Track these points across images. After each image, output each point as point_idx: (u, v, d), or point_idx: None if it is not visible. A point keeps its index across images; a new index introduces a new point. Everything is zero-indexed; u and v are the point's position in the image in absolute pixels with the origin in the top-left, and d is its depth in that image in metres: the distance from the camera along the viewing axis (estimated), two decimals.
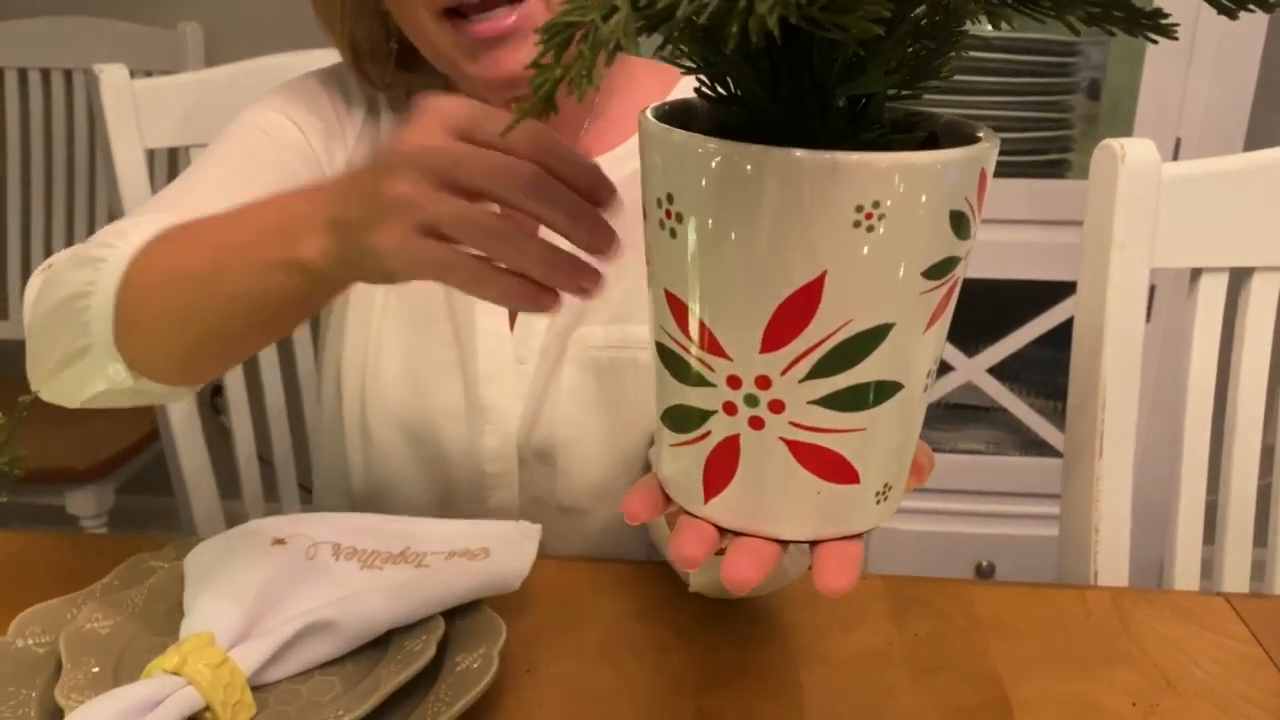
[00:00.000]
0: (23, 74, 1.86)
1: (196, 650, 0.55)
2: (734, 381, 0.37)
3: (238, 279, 0.53)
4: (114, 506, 1.65)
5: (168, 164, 1.68)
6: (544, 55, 0.29)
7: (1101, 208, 0.72)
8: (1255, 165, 0.74)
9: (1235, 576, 0.80)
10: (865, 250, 0.34)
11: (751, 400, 0.37)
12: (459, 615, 0.63)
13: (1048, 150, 1.55)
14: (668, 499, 0.42)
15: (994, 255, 1.51)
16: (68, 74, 1.86)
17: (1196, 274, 0.76)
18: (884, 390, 0.37)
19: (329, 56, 1.05)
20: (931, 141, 0.40)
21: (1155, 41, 0.33)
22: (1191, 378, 0.78)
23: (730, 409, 0.38)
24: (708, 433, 0.39)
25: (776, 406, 0.37)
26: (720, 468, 0.39)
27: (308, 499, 1.21)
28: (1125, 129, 1.50)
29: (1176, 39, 0.33)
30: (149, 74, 1.82)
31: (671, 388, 0.40)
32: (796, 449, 0.37)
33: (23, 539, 0.77)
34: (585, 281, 0.42)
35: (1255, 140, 1.48)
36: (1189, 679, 0.64)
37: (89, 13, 1.84)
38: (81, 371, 0.60)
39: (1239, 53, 1.42)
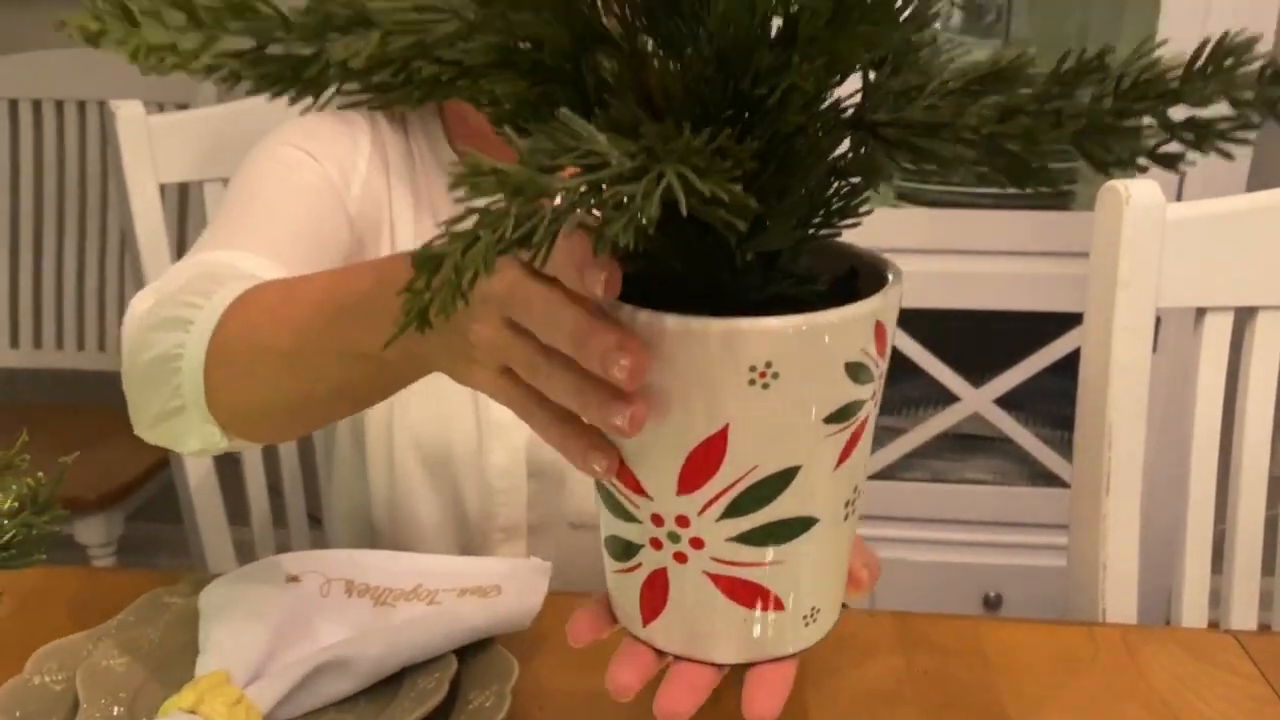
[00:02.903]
0: (37, 105, 1.88)
1: (213, 688, 0.55)
2: (657, 519, 0.40)
3: (322, 363, 0.54)
4: (122, 534, 1.65)
5: (178, 198, 1.70)
6: (416, 281, 0.31)
7: (1106, 248, 0.73)
8: (1258, 206, 0.75)
9: (1243, 605, 0.81)
10: (763, 405, 0.37)
11: (674, 537, 0.40)
12: (471, 653, 0.63)
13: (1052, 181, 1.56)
14: (614, 619, 0.45)
15: (1000, 287, 1.52)
16: (81, 105, 1.88)
17: (1201, 313, 0.77)
18: (798, 525, 0.39)
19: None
20: (846, 283, 0.42)
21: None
22: (1198, 414, 0.79)
23: (656, 544, 0.41)
24: (639, 564, 0.42)
25: (697, 543, 0.40)
26: (653, 596, 0.42)
27: (316, 526, 1.22)
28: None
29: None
30: (161, 106, 1.85)
31: (607, 519, 0.43)
32: (719, 581, 0.40)
33: (38, 573, 0.78)
34: (620, 421, 0.39)
35: (1258, 175, 1.50)
36: (1197, 717, 0.64)
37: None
38: (178, 428, 0.62)
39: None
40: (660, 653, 0.44)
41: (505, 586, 0.67)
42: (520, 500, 0.82)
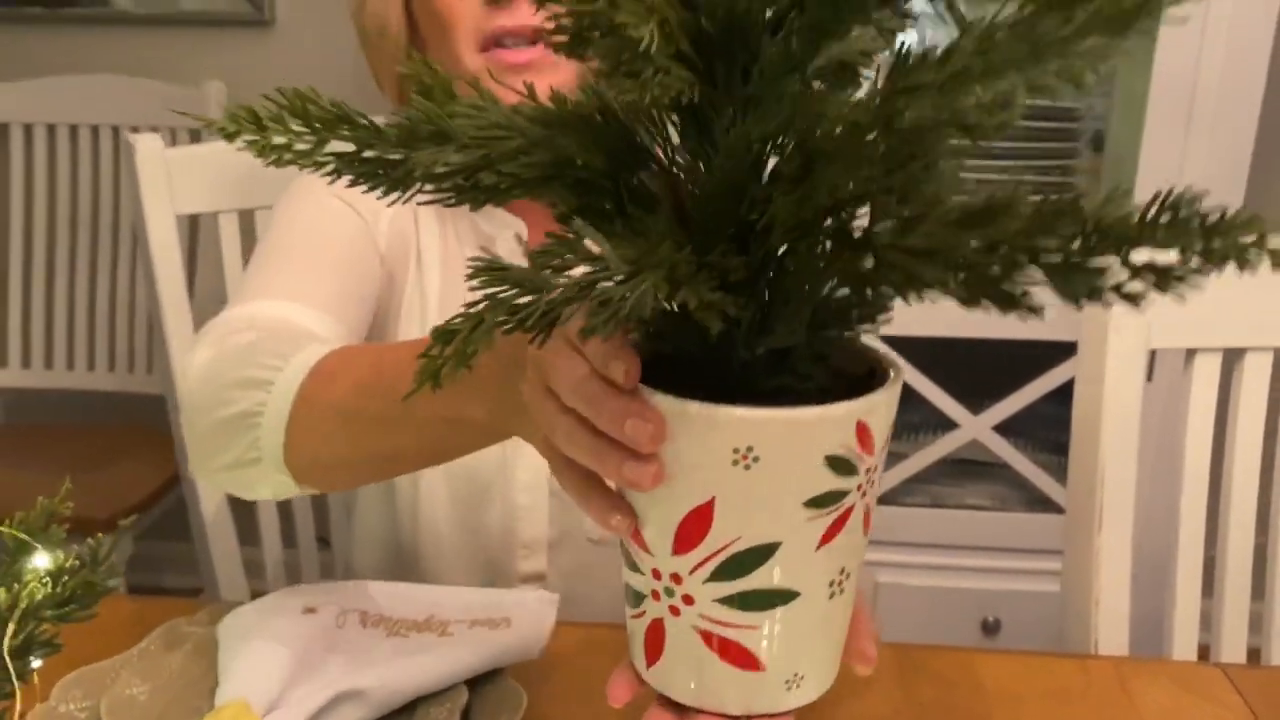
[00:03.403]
0: (51, 130, 1.91)
1: (233, 717, 0.58)
2: (656, 574, 0.45)
3: (406, 430, 0.60)
4: (131, 554, 1.67)
5: (189, 226, 1.73)
6: (432, 349, 0.38)
7: None
8: None
9: (1233, 631, 0.83)
10: (745, 483, 0.41)
11: (670, 591, 0.45)
12: (481, 684, 0.65)
13: None
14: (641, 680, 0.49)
15: (999, 315, 1.54)
16: (94, 130, 1.91)
17: (1191, 353, 0.79)
18: (779, 596, 0.43)
19: None
20: (862, 380, 0.45)
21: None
22: (1188, 449, 0.81)
23: (656, 596, 0.45)
24: (644, 611, 0.46)
25: (688, 600, 0.44)
26: (654, 643, 0.47)
27: (325, 548, 1.24)
28: (1130, 181, 1.53)
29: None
30: (173, 131, 1.88)
31: (624, 569, 0.48)
32: (706, 637, 0.45)
33: None
34: (633, 475, 0.43)
35: (1253, 205, 1.52)
36: None
37: (118, 71, 1.89)
38: (251, 478, 0.66)
39: (1236, 120, 1.46)
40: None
41: (514, 618, 0.69)
42: (542, 516, 0.85)
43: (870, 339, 0.46)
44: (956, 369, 1.63)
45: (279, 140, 0.34)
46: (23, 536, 0.35)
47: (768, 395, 0.41)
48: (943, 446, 1.65)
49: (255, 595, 1.20)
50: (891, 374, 0.44)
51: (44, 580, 0.35)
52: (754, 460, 0.41)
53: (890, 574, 1.68)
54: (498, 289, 0.36)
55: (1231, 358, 0.81)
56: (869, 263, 0.38)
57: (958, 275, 0.36)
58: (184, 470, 1.17)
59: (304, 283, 0.78)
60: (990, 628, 1.68)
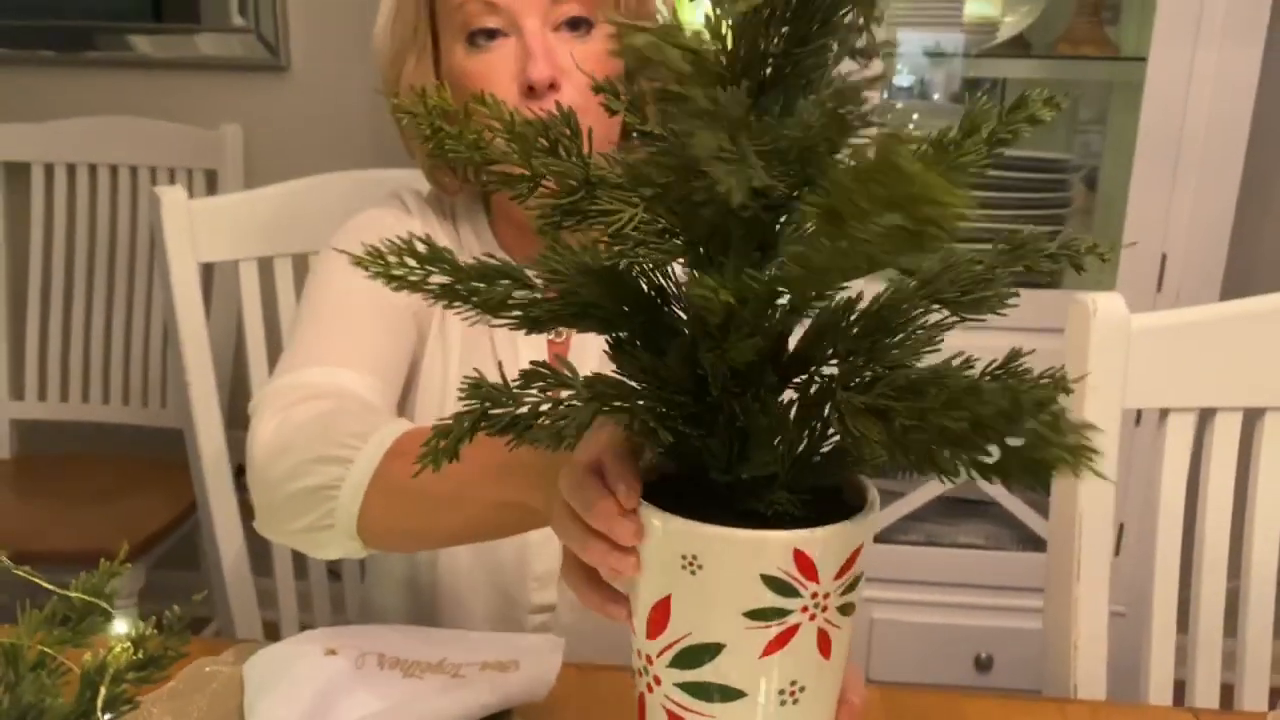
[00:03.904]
0: (71, 169, 1.96)
1: None
2: (639, 653, 0.52)
3: (473, 510, 0.68)
4: (142, 585, 1.71)
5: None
6: (430, 441, 0.48)
7: (1076, 355, 0.80)
8: (1213, 318, 0.82)
9: (1206, 664, 0.87)
10: (693, 586, 0.48)
11: (645, 670, 0.51)
12: None
13: None
14: None
15: (994, 359, 1.58)
16: (113, 169, 1.97)
17: (1165, 413, 0.84)
18: (728, 692, 0.49)
19: (351, 177, 1.21)
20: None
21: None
22: (1162, 503, 0.85)
23: (640, 672, 0.52)
24: (636, 683, 0.53)
25: (657, 680, 0.51)
26: (641, 712, 0.53)
27: (336, 579, 1.28)
28: (1119, 222, 1.57)
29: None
30: (190, 172, 1.93)
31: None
32: (671, 716, 0.51)
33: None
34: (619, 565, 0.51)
35: (1236, 252, 1.57)
36: None
37: (137, 113, 1.95)
38: (322, 541, 0.74)
39: (1220, 169, 1.51)
40: None
41: (523, 661, 0.73)
42: (553, 550, 0.90)
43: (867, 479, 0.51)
44: None
45: (397, 272, 0.43)
46: (90, 599, 0.39)
47: (758, 515, 0.48)
48: (937, 485, 1.69)
49: (267, 625, 1.24)
50: (860, 513, 0.49)
51: (127, 646, 0.39)
52: (699, 567, 0.47)
53: (885, 610, 1.72)
54: (478, 403, 0.47)
55: (1204, 417, 0.85)
56: (826, 410, 0.46)
57: (893, 437, 0.42)
58: (200, 504, 1.21)
59: (348, 347, 0.84)
60: (983, 664, 1.71)
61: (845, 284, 0.44)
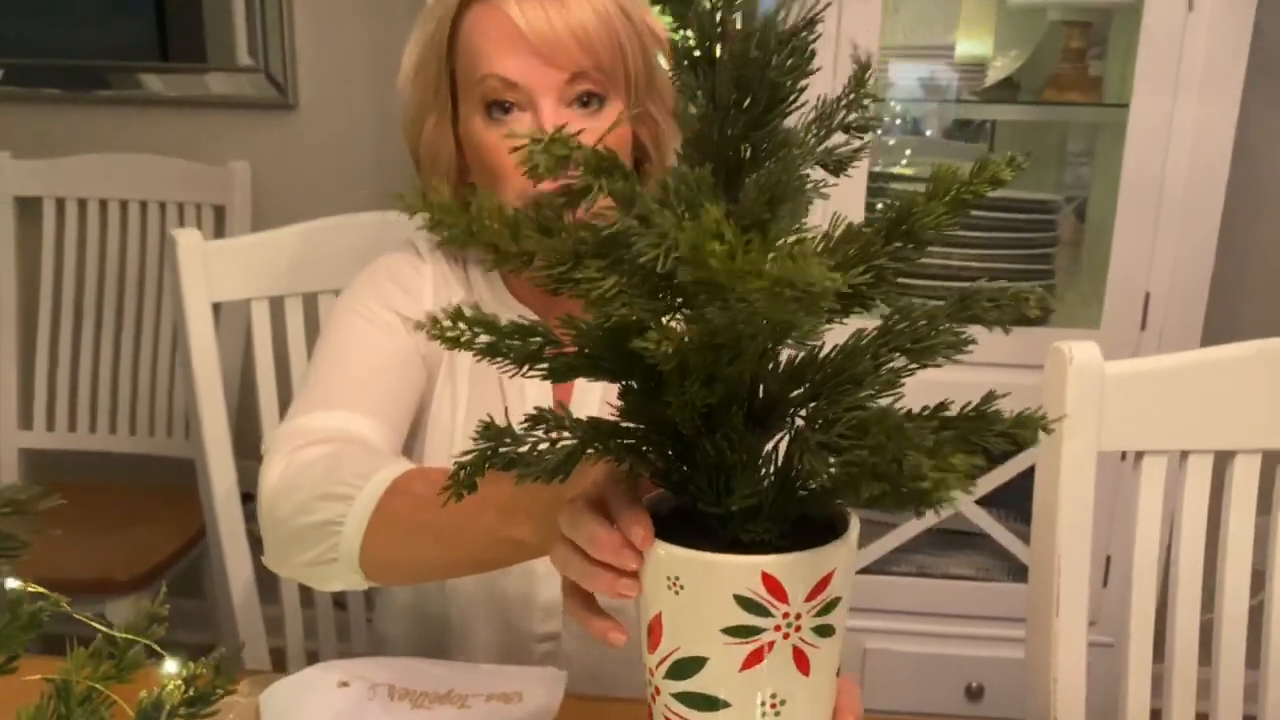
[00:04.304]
0: (82, 204, 2.01)
1: None
2: (646, 665, 0.57)
3: (467, 544, 0.73)
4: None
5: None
6: (454, 476, 0.55)
7: (1054, 401, 0.84)
8: (1184, 364, 0.86)
9: (1182, 694, 0.90)
10: (678, 605, 0.53)
11: (649, 682, 0.57)
12: None
13: None
14: None
15: (980, 394, 1.62)
16: (123, 204, 2.01)
17: (1140, 455, 0.88)
18: (713, 702, 0.54)
19: (360, 220, 1.28)
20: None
21: None
22: (1139, 540, 0.89)
23: (647, 681, 0.57)
24: (646, 690, 0.58)
25: (658, 690, 0.56)
26: (649, 716, 0.59)
27: (342, 609, 1.31)
28: (1106, 256, 1.62)
29: None
30: (199, 207, 1.98)
31: None
32: None
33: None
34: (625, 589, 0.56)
35: (1218, 292, 1.62)
36: None
37: (148, 150, 2.00)
38: (327, 574, 0.78)
39: (1201, 212, 1.56)
40: None
41: (526, 693, 0.77)
42: (559, 581, 0.93)
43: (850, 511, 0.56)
44: None
45: (451, 334, 0.50)
46: (130, 637, 0.43)
47: (747, 543, 0.53)
48: (927, 518, 1.72)
49: (273, 652, 1.28)
50: (837, 539, 0.53)
51: (179, 685, 0.43)
52: (681, 588, 0.53)
53: (878, 640, 1.75)
54: (488, 443, 0.55)
55: (1177, 459, 0.89)
56: (789, 446, 0.52)
57: (839, 471, 0.48)
58: (211, 536, 1.25)
59: (357, 393, 0.88)
60: (974, 693, 1.74)
61: (796, 333, 0.49)
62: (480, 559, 0.75)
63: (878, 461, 0.45)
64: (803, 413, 0.53)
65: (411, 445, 0.96)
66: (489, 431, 0.55)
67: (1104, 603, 1.67)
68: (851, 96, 0.54)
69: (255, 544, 1.24)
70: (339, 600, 1.31)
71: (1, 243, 2.00)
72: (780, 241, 0.47)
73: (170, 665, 0.45)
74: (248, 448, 1.24)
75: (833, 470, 0.47)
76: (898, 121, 2.02)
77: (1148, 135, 1.54)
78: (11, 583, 0.37)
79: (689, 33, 0.49)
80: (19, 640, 0.35)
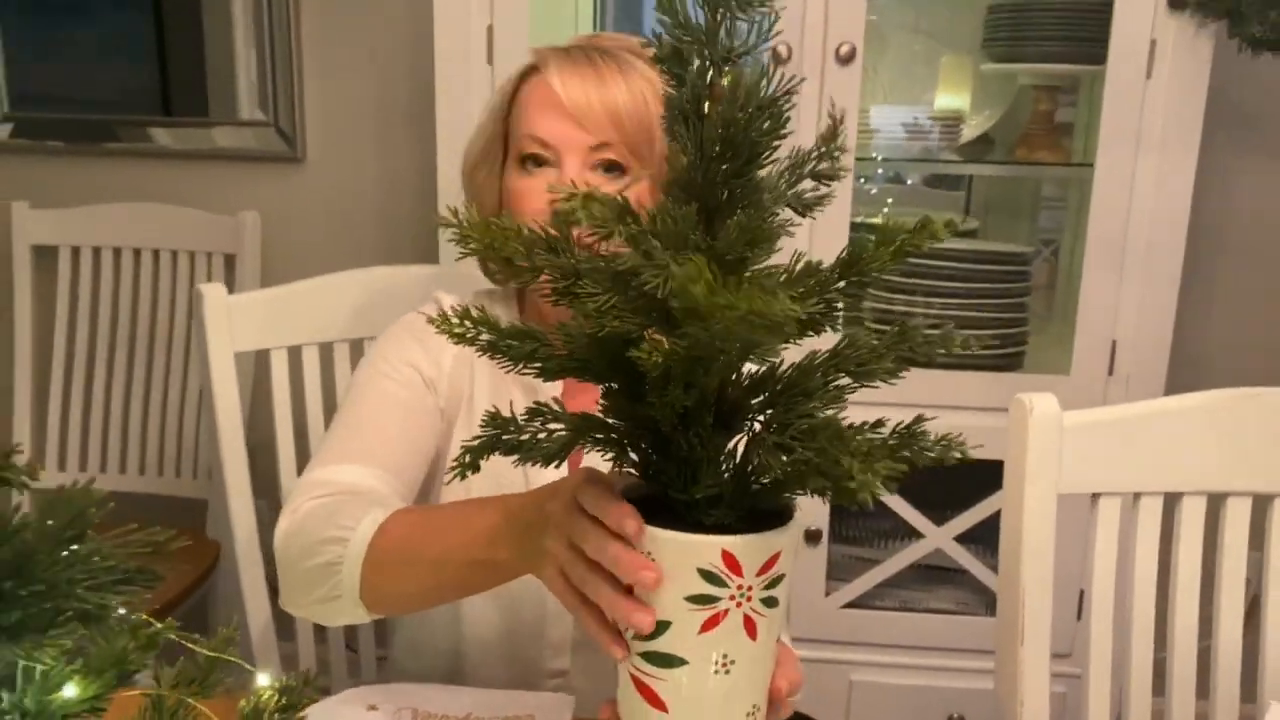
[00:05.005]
0: (96, 252, 2.09)
1: None
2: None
3: (454, 570, 0.81)
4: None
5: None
6: (462, 457, 0.64)
7: (1017, 449, 0.93)
8: (1135, 414, 0.95)
9: (1138, 717, 0.98)
10: (655, 578, 0.61)
11: (620, 640, 0.65)
12: None
13: (1005, 347, 1.77)
14: None
15: (959, 437, 1.71)
16: (136, 253, 2.09)
17: (1096, 497, 0.96)
18: (673, 660, 0.63)
19: (373, 274, 1.34)
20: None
21: None
22: (1096, 576, 0.97)
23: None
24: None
25: (627, 647, 0.64)
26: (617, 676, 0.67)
27: (352, 652, 1.38)
28: (1077, 301, 1.71)
29: None
30: (210, 255, 2.06)
31: None
32: (634, 680, 0.65)
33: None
34: (637, 621, 0.63)
35: (1182, 339, 1.71)
36: None
37: (163, 200, 2.08)
38: (333, 610, 0.86)
39: (1163, 264, 1.65)
40: None
41: (537, 715, 0.84)
42: (568, 620, 1.01)
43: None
44: (924, 483, 1.78)
45: (458, 330, 0.61)
46: (215, 655, 0.51)
47: (708, 526, 0.61)
48: (910, 554, 1.80)
49: None
50: (784, 526, 0.62)
51: (275, 693, 0.51)
52: (654, 559, 0.61)
53: (863, 673, 1.82)
54: (494, 429, 0.65)
55: (1129, 501, 0.97)
56: (748, 445, 0.61)
57: (789, 468, 0.56)
58: (229, 576, 1.31)
59: (371, 448, 0.97)
60: None
61: (759, 351, 0.57)
62: (463, 583, 0.83)
63: (821, 461, 0.54)
64: (761, 418, 0.62)
65: (429, 489, 1.04)
66: (495, 420, 0.63)
67: (1078, 636, 1.74)
68: (823, 149, 0.63)
69: (271, 576, 1.31)
70: (350, 643, 1.38)
71: (19, 289, 2.07)
72: (749, 274, 0.56)
73: (263, 677, 0.53)
74: (259, 487, 1.32)
75: (785, 466, 0.57)
76: (879, 171, 2.12)
77: (1112, 193, 1.63)
78: (122, 611, 0.44)
79: (683, 90, 0.58)
80: (139, 660, 0.43)
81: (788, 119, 0.57)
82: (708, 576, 0.60)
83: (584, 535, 0.64)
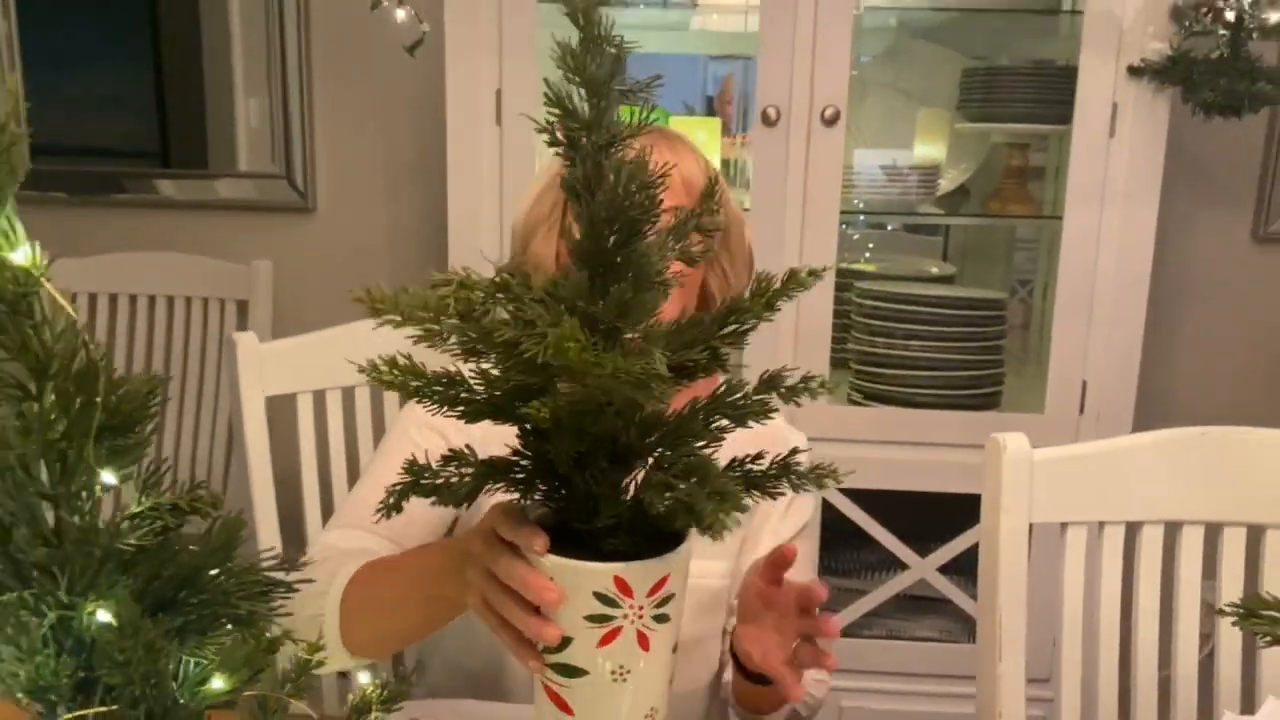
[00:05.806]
0: (113, 299, 2.17)
1: None
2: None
3: (415, 608, 0.90)
4: None
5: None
6: (384, 500, 0.71)
7: (991, 484, 1.03)
8: (1099, 451, 1.05)
9: None
10: (555, 597, 0.68)
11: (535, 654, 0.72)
12: None
13: (981, 386, 1.87)
14: None
15: (940, 473, 1.81)
16: (151, 299, 2.18)
17: (1064, 526, 1.06)
18: (576, 671, 0.69)
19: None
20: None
21: None
22: (1066, 600, 1.07)
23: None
24: None
25: (541, 661, 0.71)
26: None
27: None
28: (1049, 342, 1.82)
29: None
30: (222, 302, 2.15)
31: None
32: (546, 688, 0.71)
33: None
34: (543, 635, 0.70)
35: (1148, 378, 1.83)
36: None
37: (178, 249, 2.17)
38: (325, 658, 0.93)
39: (1128, 309, 1.77)
40: None
41: None
42: None
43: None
44: (908, 517, 1.89)
45: (386, 378, 0.67)
46: (308, 657, 0.60)
47: (608, 551, 0.68)
48: (896, 585, 1.90)
49: None
50: (672, 552, 0.69)
51: (378, 688, 0.60)
52: (556, 582, 0.68)
53: (853, 699, 1.91)
54: (412, 476, 0.71)
55: (1095, 530, 1.07)
56: (636, 479, 0.68)
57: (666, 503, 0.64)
58: None
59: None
60: None
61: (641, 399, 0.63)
62: (429, 618, 0.91)
63: (692, 497, 0.62)
64: (652, 457, 0.70)
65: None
66: (413, 468, 0.71)
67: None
68: (703, 208, 0.72)
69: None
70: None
71: None
72: (630, 335, 0.63)
73: (364, 675, 0.62)
74: (281, 521, 1.40)
75: (665, 503, 0.64)
76: (861, 218, 2.23)
77: (1079, 244, 1.75)
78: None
79: (574, 171, 0.64)
80: (264, 660, 0.51)
81: (660, 199, 0.64)
82: (603, 599, 0.67)
83: (495, 561, 0.71)
